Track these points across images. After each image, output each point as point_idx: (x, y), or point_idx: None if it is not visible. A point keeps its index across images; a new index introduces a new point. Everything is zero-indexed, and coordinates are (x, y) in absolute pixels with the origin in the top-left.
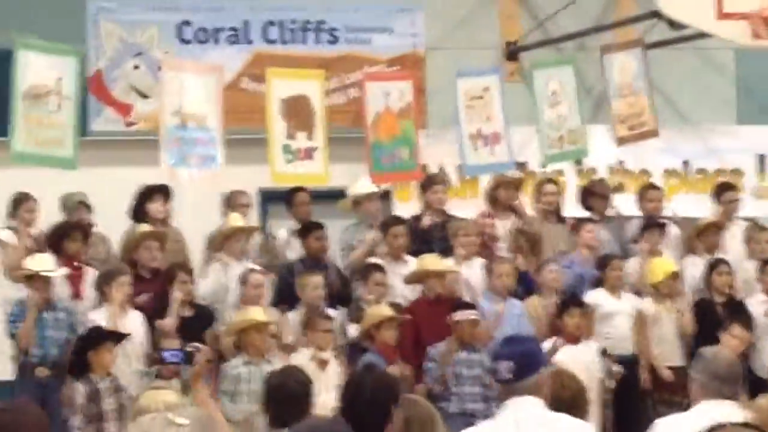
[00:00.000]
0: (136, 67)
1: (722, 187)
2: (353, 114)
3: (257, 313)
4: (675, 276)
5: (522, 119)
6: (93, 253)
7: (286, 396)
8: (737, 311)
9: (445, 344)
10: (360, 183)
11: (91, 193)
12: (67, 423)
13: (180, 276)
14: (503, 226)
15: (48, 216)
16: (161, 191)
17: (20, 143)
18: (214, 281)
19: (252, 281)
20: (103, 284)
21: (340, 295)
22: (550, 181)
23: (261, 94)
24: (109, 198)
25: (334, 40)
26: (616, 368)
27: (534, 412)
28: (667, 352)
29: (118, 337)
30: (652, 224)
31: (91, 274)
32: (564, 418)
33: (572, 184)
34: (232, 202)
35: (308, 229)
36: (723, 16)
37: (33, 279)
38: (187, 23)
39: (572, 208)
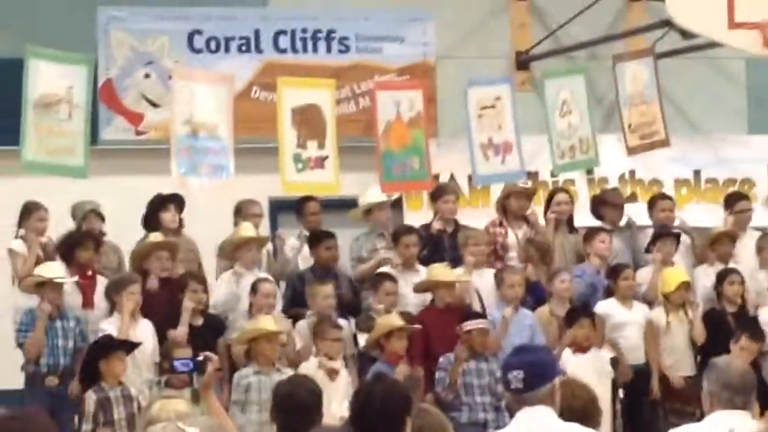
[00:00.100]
0: (146, 76)
1: (734, 197)
2: (364, 123)
3: (267, 323)
4: (687, 286)
5: (532, 129)
6: (104, 263)
7: (296, 406)
8: (747, 322)
9: (455, 353)
10: (371, 192)
11: (102, 202)
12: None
13: (191, 285)
14: (514, 235)
15: (58, 225)
16: (174, 201)
17: (31, 152)
18: (226, 290)
19: (262, 290)
20: (113, 293)
21: (351, 305)
22: (562, 190)
23: (271, 104)
24: (120, 207)
25: (345, 50)
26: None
27: (545, 422)
28: (678, 362)
29: (129, 346)
30: (665, 234)
31: (102, 283)
32: (575, 428)
33: (583, 193)
34: (243, 212)
35: (318, 239)
36: (734, 25)
37: (44, 287)
38: (198, 32)
39: (583, 218)
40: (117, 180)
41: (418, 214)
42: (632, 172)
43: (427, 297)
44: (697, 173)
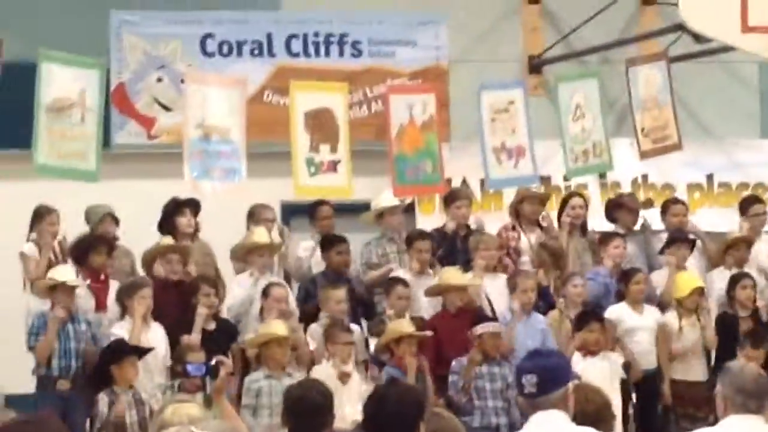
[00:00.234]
0: (159, 80)
1: (749, 201)
2: (376, 127)
3: (278, 327)
4: (701, 291)
5: (544, 133)
6: (117, 267)
7: (307, 409)
8: (752, 330)
9: (469, 356)
10: (383, 196)
11: (114, 206)
12: None
13: (203, 288)
14: (527, 240)
15: (70, 229)
16: (190, 205)
17: (43, 156)
18: (243, 292)
19: (274, 295)
20: (124, 297)
21: (367, 307)
22: (577, 194)
23: (284, 107)
24: (132, 211)
25: (357, 53)
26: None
27: (559, 426)
28: (690, 367)
29: (140, 351)
30: (679, 238)
31: (114, 287)
32: None
33: (596, 197)
34: (256, 216)
35: (331, 243)
36: (748, 29)
37: (56, 290)
38: (210, 36)
39: (596, 222)
40: (129, 184)
41: (430, 218)
42: (645, 177)
43: (441, 301)
44: (709, 177)
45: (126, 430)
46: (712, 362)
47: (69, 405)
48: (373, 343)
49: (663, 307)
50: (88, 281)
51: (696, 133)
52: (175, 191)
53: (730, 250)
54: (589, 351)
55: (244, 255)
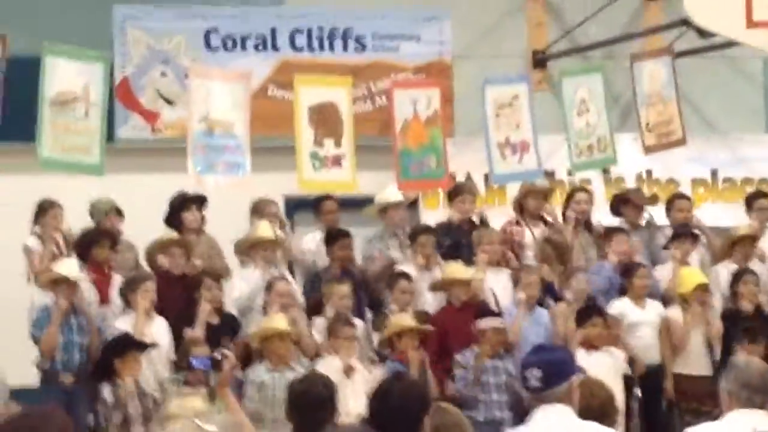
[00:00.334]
0: (163, 75)
1: (755, 196)
2: (380, 122)
3: (280, 322)
4: (705, 287)
5: (548, 128)
6: (121, 261)
7: (311, 403)
8: (754, 324)
9: (479, 351)
10: (388, 191)
11: (117, 200)
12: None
13: (206, 282)
14: (531, 234)
15: (73, 222)
16: (196, 201)
17: (47, 149)
18: (251, 284)
19: (277, 289)
20: (127, 291)
21: (375, 299)
22: (582, 189)
23: (288, 102)
24: (136, 205)
25: (361, 48)
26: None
27: (563, 421)
28: (694, 362)
29: (144, 345)
30: (684, 233)
31: (118, 281)
32: (593, 426)
33: (600, 192)
34: (260, 210)
35: (335, 238)
36: (752, 24)
37: (59, 284)
38: (214, 30)
39: (599, 217)
40: (133, 178)
41: (435, 213)
42: (649, 172)
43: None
44: (714, 173)
45: (130, 422)
46: (717, 357)
47: (72, 399)
48: (376, 337)
49: (666, 301)
50: (93, 274)
51: (700, 129)
52: (179, 185)
53: (736, 246)
54: (591, 346)
55: (248, 249)
